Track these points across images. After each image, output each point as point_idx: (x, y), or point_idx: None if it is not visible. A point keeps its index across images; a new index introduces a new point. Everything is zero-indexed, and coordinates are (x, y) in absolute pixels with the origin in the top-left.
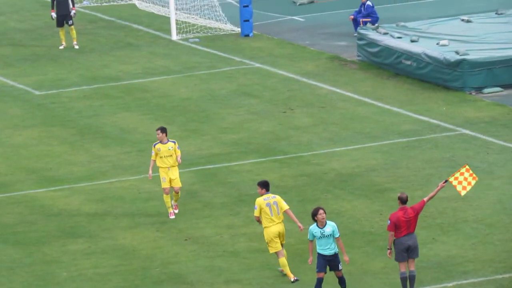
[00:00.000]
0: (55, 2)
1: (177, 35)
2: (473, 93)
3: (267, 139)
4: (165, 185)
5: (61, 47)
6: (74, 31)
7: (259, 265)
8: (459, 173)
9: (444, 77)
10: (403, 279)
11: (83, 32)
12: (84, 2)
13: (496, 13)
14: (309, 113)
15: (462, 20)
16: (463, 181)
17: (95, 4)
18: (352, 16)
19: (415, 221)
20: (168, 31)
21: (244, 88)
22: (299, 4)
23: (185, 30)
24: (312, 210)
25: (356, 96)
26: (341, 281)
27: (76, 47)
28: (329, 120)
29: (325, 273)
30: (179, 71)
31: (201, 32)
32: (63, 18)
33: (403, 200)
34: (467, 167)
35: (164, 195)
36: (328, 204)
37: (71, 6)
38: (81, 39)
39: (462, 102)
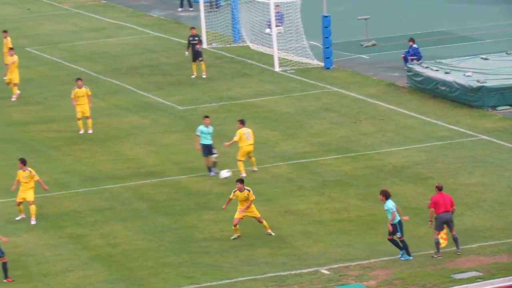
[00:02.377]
0: (189, 44)
1: (278, 67)
2: (490, 110)
3: (343, 142)
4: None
5: (193, 77)
6: (203, 65)
7: (338, 230)
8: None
9: (469, 99)
10: (437, 243)
11: (213, 65)
12: (213, 44)
13: (506, 53)
14: (373, 123)
15: (482, 58)
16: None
17: (221, 46)
18: (403, 55)
19: (450, 204)
20: (272, 65)
21: (326, 106)
22: (365, 46)
23: (284, 64)
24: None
25: (405, 112)
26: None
27: (204, 76)
28: (387, 128)
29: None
30: (280, 93)
31: (296, 66)
32: (196, 56)
33: (440, 188)
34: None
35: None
36: (387, 188)
37: (200, 47)
38: (211, 70)
39: (482, 117)
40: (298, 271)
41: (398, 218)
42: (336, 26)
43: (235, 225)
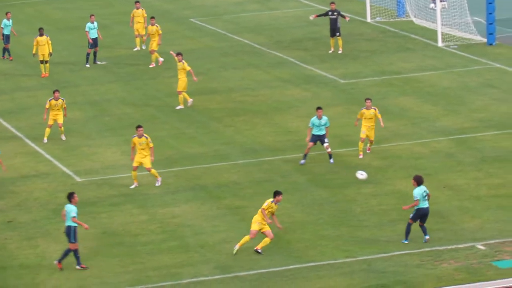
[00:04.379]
0: (326, 16)
1: (441, 42)
2: None
3: (504, 118)
4: None
5: (330, 52)
6: (340, 41)
7: (495, 206)
8: None
9: None
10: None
11: (376, 39)
12: (377, 18)
13: None
14: None
15: None
16: None
17: (385, 20)
18: None
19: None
20: (436, 40)
21: (488, 82)
22: None
23: (447, 39)
24: None
25: None
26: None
27: (340, 52)
28: None
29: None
30: (443, 68)
31: (459, 41)
32: (334, 32)
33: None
34: None
35: None
36: None
37: (339, 21)
38: (374, 44)
39: None
40: (454, 246)
41: (422, 205)
42: (501, 2)
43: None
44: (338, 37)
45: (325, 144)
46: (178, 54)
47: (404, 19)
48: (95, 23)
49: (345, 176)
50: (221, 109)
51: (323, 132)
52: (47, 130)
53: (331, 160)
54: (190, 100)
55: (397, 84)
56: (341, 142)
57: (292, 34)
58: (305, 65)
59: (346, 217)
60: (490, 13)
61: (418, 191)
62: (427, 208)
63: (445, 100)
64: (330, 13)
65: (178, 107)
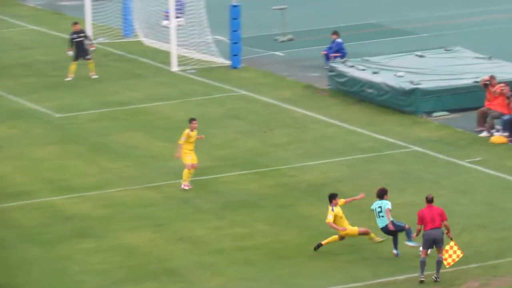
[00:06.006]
0: (73, 42)
1: (177, 66)
2: (424, 116)
3: (250, 155)
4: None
5: (68, 79)
6: (92, 65)
7: (241, 261)
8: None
9: (400, 103)
10: (422, 263)
11: (98, 64)
12: (100, 39)
13: (444, 50)
14: (286, 133)
15: (416, 55)
16: (453, 254)
17: (108, 41)
18: (325, 52)
19: (439, 218)
20: (169, 64)
21: (233, 112)
22: (280, 42)
23: (183, 62)
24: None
25: (326, 119)
26: None
27: (95, 77)
28: (303, 139)
29: None
30: (178, 97)
31: (197, 65)
32: (80, 54)
33: (429, 200)
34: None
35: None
36: (301, 209)
37: (88, 44)
38: (96, 70)
39: (415, 124)
40: None
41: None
42: (247, 18)
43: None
44: (89, 60)
45: None
46: None
47: (132, 40)
48: None
49: (60, 229)
50: None
51: None
52: None
53: None
54: None
55: (123, 117)
56: (55, 188)
57: None
58: (12, 96)
59: (62, 278)
60: (235, 31)
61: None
62: (384, 227)
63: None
64: (74, 36)
65: None
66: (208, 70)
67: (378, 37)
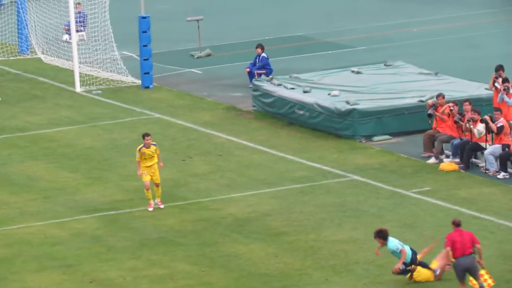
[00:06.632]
0: None
1: (80, 87)
2: (363, 141)
3: (167, 186)
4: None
5: None
6: None
7: None
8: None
9: (336, 126)
10: None
11: None
12: None
13: (384, 65)
14: (207, 161)
15: (353, 71)
16: (483, 282)
17: (2, 58)
18: (248, 69)
19: (470, 244)
20: (72, 84)
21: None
22: (197, 57)
23: (88, 82)
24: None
25: (251, 145)
26: None
27: None
28: (226, 168)
29: None
30: (83, 121)
31: (104, 84)
32: None
33: (456, 223)
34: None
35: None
36: (226, 248)
37: None
38: None
39: (353, 150)
40: None
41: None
42: (159, 31)
43: None
44: None
45: None
46: None
47: (29, 57)
48: None
49: None
50: None
51: None
52: None
53: None
54: None
55: (22, 145)
56: None
57: None
58: None
59: None
60: (145, 46)
61: (393, 242)
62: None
63: (87, 165)
64: None
65: None
66: (116, 91)
67: (308, 51)
